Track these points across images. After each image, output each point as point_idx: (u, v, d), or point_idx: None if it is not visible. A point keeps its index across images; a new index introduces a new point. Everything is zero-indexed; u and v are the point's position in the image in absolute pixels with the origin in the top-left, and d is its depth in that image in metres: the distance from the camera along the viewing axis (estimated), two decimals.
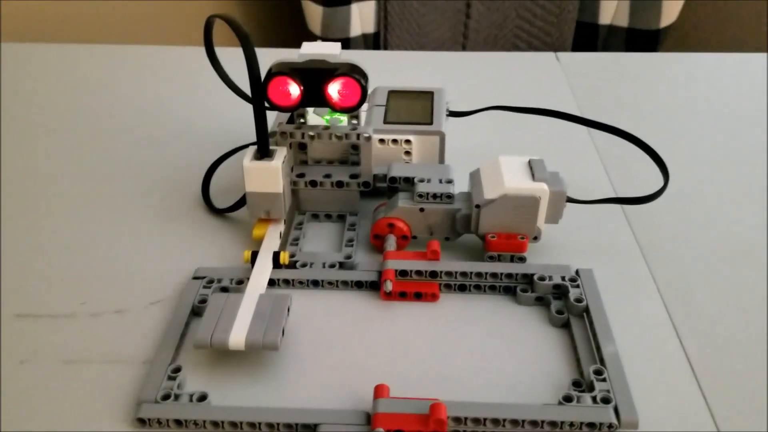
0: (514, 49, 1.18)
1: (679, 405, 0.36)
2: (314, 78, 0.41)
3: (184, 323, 0.40)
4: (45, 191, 0.53)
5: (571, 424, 0.34)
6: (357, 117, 0.47)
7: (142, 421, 0.34)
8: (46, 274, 0.44)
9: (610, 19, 1.16)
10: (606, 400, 0.35)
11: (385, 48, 1.14)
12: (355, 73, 0.41)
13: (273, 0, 1.27)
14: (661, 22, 1.14)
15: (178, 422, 0.34)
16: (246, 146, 0.51)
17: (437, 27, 1.13)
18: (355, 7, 1.09)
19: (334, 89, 0.41)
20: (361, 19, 1.10)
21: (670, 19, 1.15)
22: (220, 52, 0.46)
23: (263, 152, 0.43)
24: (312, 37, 1.12)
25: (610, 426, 0.33)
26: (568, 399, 0.35)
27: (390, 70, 0.72)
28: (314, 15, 1.09)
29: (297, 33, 1.22)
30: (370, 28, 1.11)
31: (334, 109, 0.42)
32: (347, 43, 1.11)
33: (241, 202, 0.47)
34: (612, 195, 0.52)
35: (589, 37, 1.17)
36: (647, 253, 0.46)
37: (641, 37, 1.14)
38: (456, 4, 1.12)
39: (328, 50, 0.42)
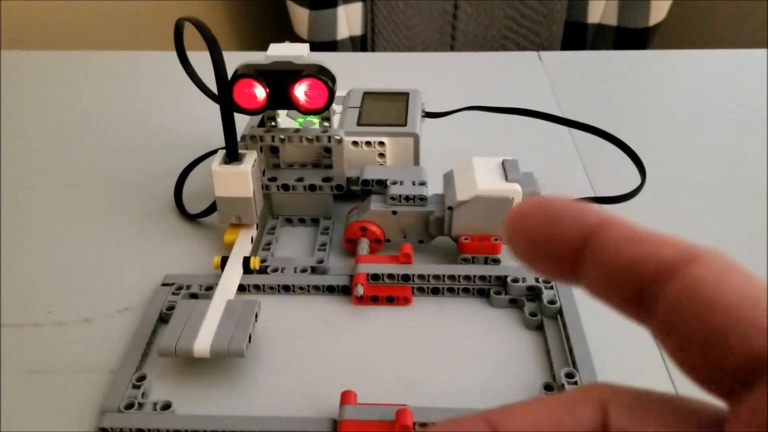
0: (503, 50, 1.17)
1: None
2: (280, 80, 0.40)
3: (150, 331, 0.39)
4: (10, 197, 0.52)
5: None
6: (329, 119, 0.47)
7: (104, 431, 0.34)
8: (12, 282, 0.44)
9: (598, 18, 1.16)
10: None
11: (373, 50, 1.13)
12: (321, 74, 0.40)
13: (259, 2, 1.27)
14: (650, 20, 1.13)
15: (141, 431, 0.34)
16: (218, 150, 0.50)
17: (425, 28, 1.13)
18: (341, 10, 1.08)
19: (300, 91, 0.40)
20: (348, 21, 1.10)
21: (658, 17, 1.14)
22: (195, 57, 0.46)
23: (232, 156, 0.43)
24: (298, 41, 1.12)
25: None
26: None
27: (373, 72, 0.71)
28: (300, 18, 1.09)
29: (284, 37, 1.21)
30: (357, 30, 1.11)
31: (302, 111, 0.41)
32: (334, 46, 1.11)
33: (214, 207, 0.47)
34: (591, 195, 0.51)
35: (578, 36, 1.17)
36: None
37: (630, 36, 1.14)
38: (443, 5, 1.12)
39: (296, 51, 0.42)
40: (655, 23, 1.14)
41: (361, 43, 1.13)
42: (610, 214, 0.15)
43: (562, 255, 0.15)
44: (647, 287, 0.14)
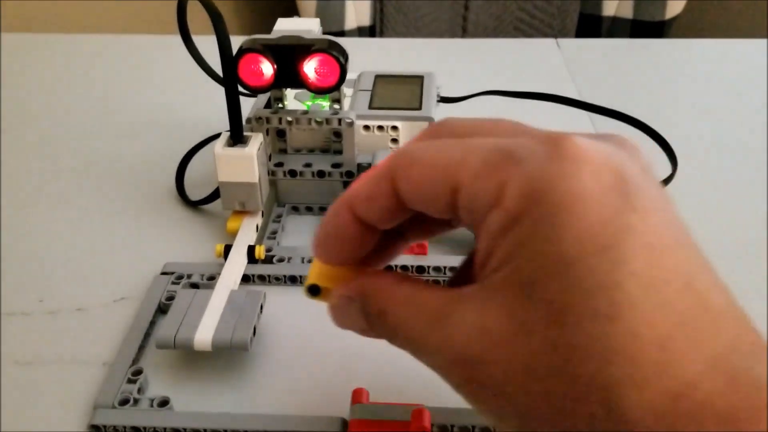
0: None
1: None
2: (288, 55, 0.38)
3: (148, 322, 0.37)
4: (4, 181, 0.50)
5: None
6: (340, 102, 0.44)
7: (96, 429, 0.31)
8: (2, 269, 0.41)
9: (614, 11, 1.13)
10: None
11: None
12: (332, 49, 0.37)
13: None
14: (666, 14, 1.11)
15: (137, 429, 0.31)
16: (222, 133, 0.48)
17: (435, 19, 1.10)
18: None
19: (310, 68, 0.38)
20: (356, 11, 1.07)
21: (675, 10, 1.11)
22: (199, 41, 0.44)
23: (236, 138, 0.40)
24: None
25: None
26: None
27: (384, 58, 0.69)
28: (308, 8, 1.06)
29: None
30: (365, 20, 1.08)
31: (311, 89, 0.39)
32: (342, 33, 1.08)
33: (216, 194, 0.44)
34: None
35: (593, 29, 1.14)
36: None
37: (646, 29, 1.11)
38: None
39: (305, 26, 0.39)
40: (671, 16, 1.11)
41: (369, 34, 1.10)
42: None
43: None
44: None
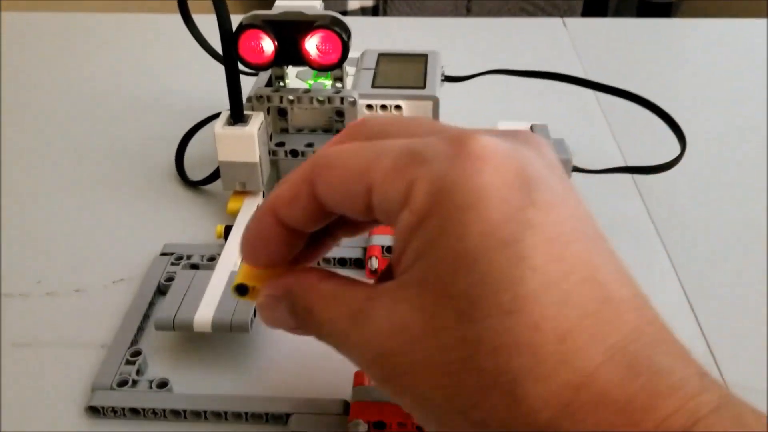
0: None
1: None
2: (290, 31, 0.37)
3: (147, 303, 0.36)
4: (3, 164, 0.49)
5: None
6: (342, 81, 0.43)
7: (94, 410, 0.31)
8: (0, 250, 0.41)
9: None
10: None
11: None
12: (335, 25, 0.36)
13: None
14: None
15: (135, 411, 0.31)
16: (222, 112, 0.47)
17: None
18: None
19: (312, 44, 0.37)
20: None
21: None
22: (201, 19, 0.43)
23: (237, 117, 0.39)
24: None
25: None
26: None
27: (387, 38, 0.67)
28: None
29: None
30: (368, 1, 1.07)
31: (313, 66, 0.38)
32: (344, 13, 1.07)
33: (217, 174, 0.43)
34: (621, 165, 0.48)
35: (599, 10, 1.12)
36: (661, 229, 0.42)
37: (653, 9, 1.09)
38: None
39: (307, 3, 0.38)
40: None
41: (372, 15, 1.09)
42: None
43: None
44: None
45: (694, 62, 0.64)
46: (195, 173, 0.46)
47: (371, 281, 0.37)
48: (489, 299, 0.18)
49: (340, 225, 0.25)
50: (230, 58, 0.37)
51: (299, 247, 0.24)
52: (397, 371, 0.20)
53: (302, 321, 0.24)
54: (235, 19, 0.37)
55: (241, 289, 0.26)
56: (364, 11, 1.07)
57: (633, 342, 0.18)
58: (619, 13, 1.12)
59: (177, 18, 0.42)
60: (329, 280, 0.23)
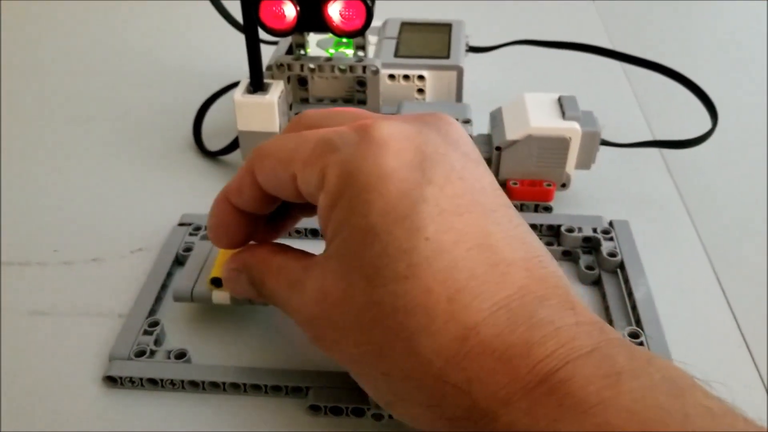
0: None
1: (728, 374, 0.31)
2: None
3: (165, 273, 0.35)
4: (21, 132, 0.49)
5: None
6: (364, 49, 0.42)
7: (112, 380, 0.30)
8: (17, 218, 0.40)
9: None
10: None
11: None
12: None
13: None
14: None
15: (153, 381, 0.30)
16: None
17: None
18: None
19: (335, 10, 0.36)
20: None
21: None
22: None
23: (257, 85, 0.39)
24: None
25: None
26: None
27: (410, 5, 0.66)
28: None
29: None
30: None
31: (335, 33, 0.37)
32: None
33: (235, 144, 0.43)
34: (650, 138, 0.46)
35: None
36: (690, 204, 0.41)
37: None
38: None
39: None
40: None
41: None
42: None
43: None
44: None
45: (726, 37, 0.62)
46: (213, 143, 0.46)
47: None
48: (389, 267, 0.20)
49: (296, 206, 0.29)
50: (251, 23, 0.36)
51: (258, 228, 0.28)
52: (325, 332, 0.23)
53: (259, 290, 0.27)
54: None
55: (216, 282, 0.31)
56: None
57: (518, 299, 0.20)
58: None
59: None
60: (278, 254, 0.26)
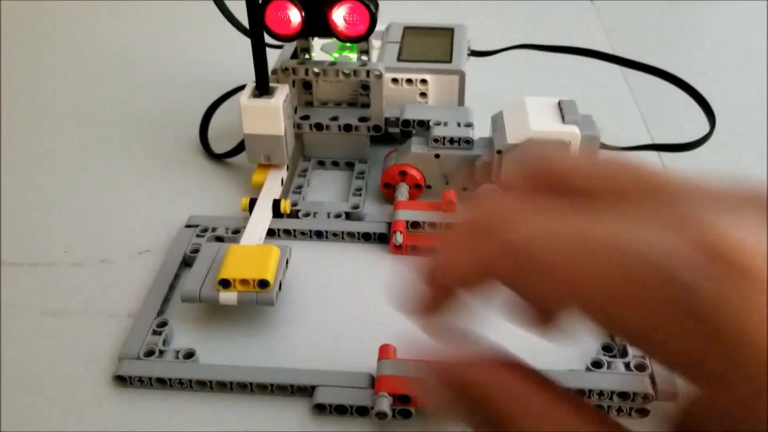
0: None
1: None
2: (317, 2, 0.36)
3: (173, 274, 0.36)
4: (30, 133, 0.49)
5: (601, 394, 0.30)
6: (368, 53, 0.43)
7: (122, 379, 0.31)
8: (27, 219, 0.41)
9: None
10: (641, 367, 0.30)
11: None
12: None
13: None
14: None
15: (162, 381, 0.31)
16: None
17: None
18: None
19: (339, 15, 0.37)
20: None
21: None
22: None
23: (262, 89, 0.39)
24: None
25: (645, 397, 0.29)
26: (597, 365, 0.31)
27: (413, 8, 0.66)
28: None
29: None
30: None
31: (340, 38, 0.37)
32: None
33: (241, 147, 0.43)
34: (648, 142, 0.47)
35: None
36: None
37: None
38: None
39: None
40: None
41: None
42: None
43: None
44: None
45: (724, 40, 0.63)
46: (220, 145, 0.46)
47: (396, 256, 0.37)
48: None
49: None
50: (256, 28, 0.37)
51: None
52: None
53: (489, 425, 0.17)
54: None
55: (225, 283, 0.32)
56: None
57: None
58: None
59: None
60: (537, 390, 0.17)
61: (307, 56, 0.43)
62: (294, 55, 0.43)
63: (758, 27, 0.64)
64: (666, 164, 0.45)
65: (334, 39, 0.39)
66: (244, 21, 0.38)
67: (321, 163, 0.45)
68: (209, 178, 0.44)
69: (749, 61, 0.59)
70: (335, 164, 0.45)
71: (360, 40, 0.37)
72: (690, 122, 0.44)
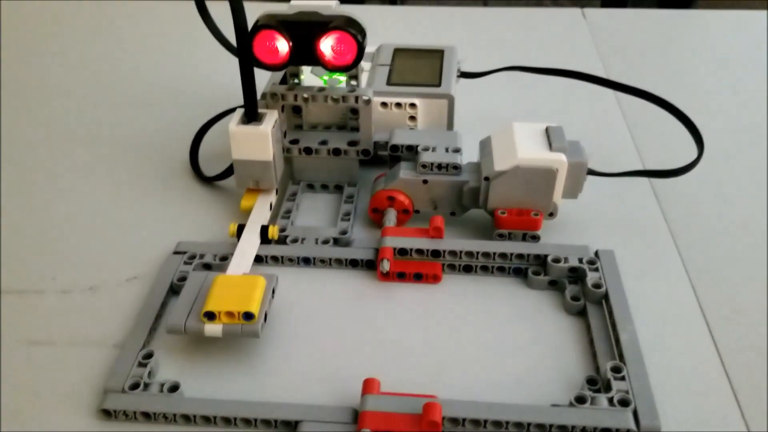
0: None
1: (708, 406, 0.32)
2: (304, 32, 0.36)
3: (160, 303, 0.36)
4: (16, 157, 0.49)
5: (584, 430, 0.30)
6: (357, 78, 0.43)
7: (107, 413, 0.31)
8: (15, 246, 0.41)
9: None
10: (624, 402, 0.31)
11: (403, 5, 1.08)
12: (350, 27, 0.36)
13: None
14: None
15: (146, 414, 0.31)
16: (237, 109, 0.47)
17: None
18: None
19: (326, 45, 0.37)
20: None
21: None
22: (215, 8, 0.42)
23: (251, 115, 0.39)
24: None
25: None
26: (580, 400, 0.31)
27: (404, 27, 0.67)
28: None
29: None
30: None
31: (327, 67, 0.37)
32: (363, 5, 1.06)
33: (232, 170, 0.43)
34: (639, 167, 0.47)
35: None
36: (676, 233, 0.42)
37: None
38: None
39: (323, 2, 0.38)
40: None
41: (391, 2, 1.07)
42: None
43: None
44: None
45: (714, 55, 0.63)
46: (210, 167, 0.46)
47: (383, 283, 0.38)
48: None
49: None
50: (245, 58, 0.37)
51: None
52: None
53: None
54: (250, 7, 0.37)
55: (210, 315, 0.32)
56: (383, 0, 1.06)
57: None
58: (639, 3, 1.09)
59: (192, 5, 0.41)
60: None
61: (296, 81, 0.43)
62: (283, 80, 0.43)
63: (751, 42, 0.64)
64: (656, 188, 0.45)
65: None
66: (233, 40, 0.38)
67: (311, 187, 0.45)
68: (198, 202, 0.44)
69: (741, 78, 0.59)
70: (325, 187, 0.45)
71: (347, 69, 0.37)
72: (682, 143, 0.44)
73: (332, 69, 0.37)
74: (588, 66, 0.59)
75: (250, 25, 0.36)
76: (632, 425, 0.30)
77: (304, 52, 0.37)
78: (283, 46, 0.37)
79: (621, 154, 0.49)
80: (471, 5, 1.09)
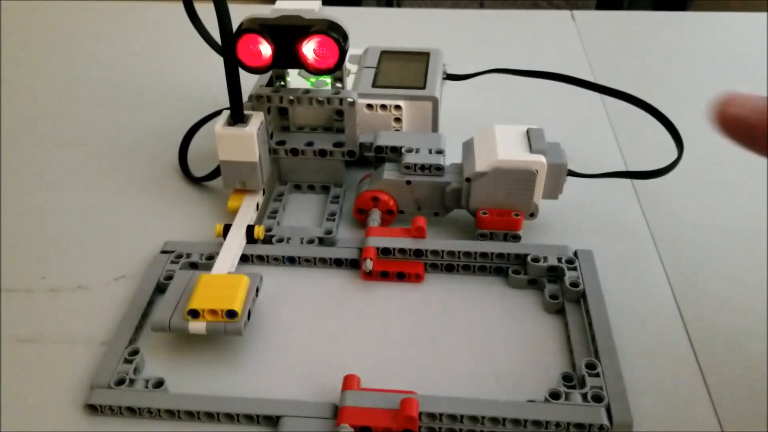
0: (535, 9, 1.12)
1: (681, 404, 0.32)
2: (287, 36, 0.37)
3: (146, 301, 0.37)
4: (4, 157, 0.50)
5: (557, 425, 0.30)
6: (342, 80, 0.44)
7: (93, 408, 0.32)
8: (4, 245, 0.42)
9: None
10: (597, 399, 0.31)
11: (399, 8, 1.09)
12: (332, 31, 0.37)
13: None
14: None
15: (131, 410, 0.32)
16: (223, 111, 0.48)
17: None
18: None
19: (309, 49, 0.37)
20: None
21: None
22: (202, 8, 0.43)
23: (237, 117, 0.40)
24: None
25: (601, 428, 0.30)
26: (555, 396, 0.31)
27: (396, 29, 0.67)
28: None
29: None
30: None
31: (310, 70, 0.38)
32: (359, 2, 1.06)
33: (219, 171, 0.44)
34: (623, 168, 0.48)
35: (613, 3, 1.11)
36: (656, 234, 0.42)
37: (669, 2, 1.07)
38: None
39: (306, 6, 0.39)
40: None
41: (386, 4, 1.08)
42: None
43: None
44: None
45: (705, 58, 0.63)
46: (199, 168, 0.47)
47: (366, 283, 0.38)
48: None
49: None
50: (231, 61, 0.37)
51: None
52: None
53: None
54: (234, 8, 0.37)
55: (194, 313, 0.32)
56: (378, 1, 1.07)
57: None
58: (633, 5, 1.10)
59: (180, 6, 0.42)
60: None
61: (282, 83, 0.43)
62: (269, 83, 0.44)
63: (742, 43, 0.65)
64: (637, 188, 0.46)
65: None
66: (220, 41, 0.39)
67: (297, 187, 0.46)
68: (186, 202, 0.45)
69: (730, 80, 0.59)
70: (311, 188, 0.46)
71: (330, 72, 0.38)
72: (664, 144, 0.45)
73: (315, 72, 0.38)
74: (575, 68, 0.60)
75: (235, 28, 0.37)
76: (605, 421, 0.30)
77: (287, 56, 0.38)
78: (266, 49, 0.37)
79: (605, 156, 0.49)
80: (466, 8, 1.10)
